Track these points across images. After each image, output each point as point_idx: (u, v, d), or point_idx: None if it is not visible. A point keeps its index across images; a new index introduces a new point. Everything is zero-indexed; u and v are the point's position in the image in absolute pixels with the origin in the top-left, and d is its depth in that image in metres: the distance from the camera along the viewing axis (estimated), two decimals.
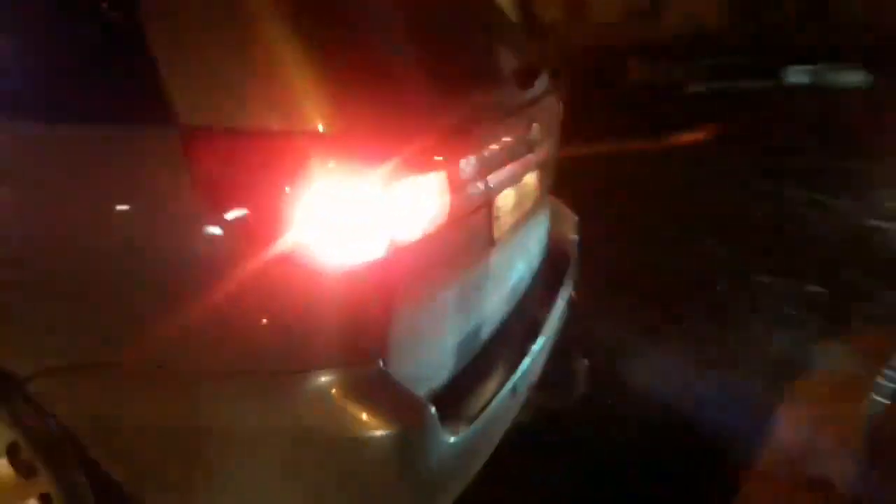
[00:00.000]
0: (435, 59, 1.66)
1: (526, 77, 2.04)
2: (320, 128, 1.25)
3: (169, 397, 1.36)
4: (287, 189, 1.22)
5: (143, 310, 1.34)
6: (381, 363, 1.39)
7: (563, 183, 2.50)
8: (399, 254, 1.35)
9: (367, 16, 1.53)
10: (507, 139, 1.80)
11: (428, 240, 1.43)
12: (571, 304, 2.33)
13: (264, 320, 1.29)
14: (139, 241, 1.31)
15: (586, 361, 2.42)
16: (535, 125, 1.95)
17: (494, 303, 1.91)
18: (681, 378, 2.75)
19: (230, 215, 1.26)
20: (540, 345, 1.98)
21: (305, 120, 1.25)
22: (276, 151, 1.24)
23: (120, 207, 1.32)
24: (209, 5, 1.28)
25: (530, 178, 2.06)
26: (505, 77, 2.02)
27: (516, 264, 2.07)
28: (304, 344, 1.31)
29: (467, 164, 1.55)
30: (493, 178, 1.73)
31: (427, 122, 1.46)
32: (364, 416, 1.31)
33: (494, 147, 1.72)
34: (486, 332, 1.87)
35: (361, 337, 1.34)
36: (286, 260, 1.25)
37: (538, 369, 2.05)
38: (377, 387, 1.36)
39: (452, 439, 1.47)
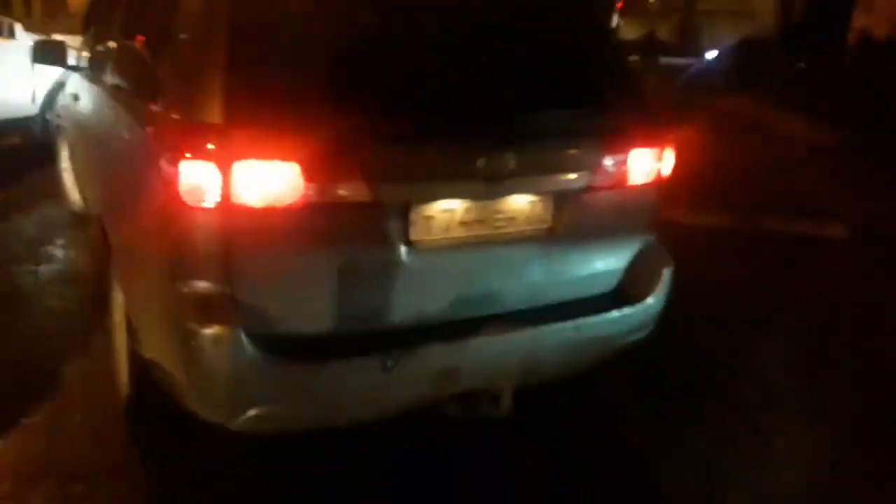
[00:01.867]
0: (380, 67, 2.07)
1: (508, 110, 2.20)
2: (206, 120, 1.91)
3: None
4: (175, 156, 1.93)
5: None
6: (224, 284, 1.96)
7: None
8: (238, 210, 1.89)
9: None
10: (434, 159, 2.09)
11: (278, 211, 1.91)
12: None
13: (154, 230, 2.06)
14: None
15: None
16: (507, 156, 2.14)
17: (416, 297, 2.16)
18: None
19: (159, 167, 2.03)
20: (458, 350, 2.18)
21: (197, 115, 1.94)
22: (177, 134, 1.97)
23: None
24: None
25: (514, 205, 2.24)
26: (474, 105, 2.19)
27: (476, 277, 2.26)
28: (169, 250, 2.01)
29: (340, 165, 1.96)
30: (403, 189, 2.07)
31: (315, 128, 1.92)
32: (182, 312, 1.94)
33: (405, 163, 2.06)
34: (397, 316, 2.14)
35: (197, 257, 1.95)
36: (167, 197, 1.96)
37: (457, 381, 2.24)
38: (205, 297, 1.95)
39: (267, 364, 1.96)
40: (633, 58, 21.14)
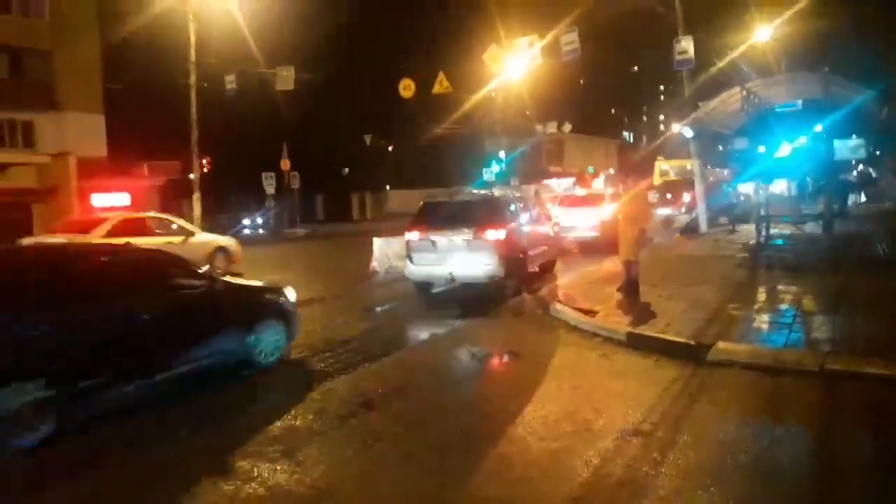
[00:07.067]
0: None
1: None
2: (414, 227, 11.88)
3: None
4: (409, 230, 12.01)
5: None
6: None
7: None
8: (416, 237, 12.09)
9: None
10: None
11: (420, 237, 12.04)
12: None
13: None
14: None
15: None
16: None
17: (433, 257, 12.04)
18: None
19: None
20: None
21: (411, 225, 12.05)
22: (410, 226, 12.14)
23: None
24: None
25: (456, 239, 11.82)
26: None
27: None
28: None
29: (423, 231, 11.84)
30: (433, 235, 11.75)
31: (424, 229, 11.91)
32: None
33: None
34: (432, 261, 11.97)
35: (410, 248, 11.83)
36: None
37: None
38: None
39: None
40: None
